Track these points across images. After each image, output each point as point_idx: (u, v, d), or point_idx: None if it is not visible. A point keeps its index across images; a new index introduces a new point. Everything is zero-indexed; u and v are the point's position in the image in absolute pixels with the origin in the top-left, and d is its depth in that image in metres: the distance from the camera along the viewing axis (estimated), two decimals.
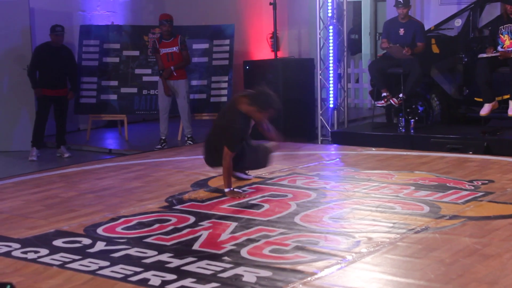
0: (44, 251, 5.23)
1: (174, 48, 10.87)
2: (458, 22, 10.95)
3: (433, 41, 10.87)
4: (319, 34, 11.32)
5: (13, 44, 11.30)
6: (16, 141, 11.36)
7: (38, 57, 10.62)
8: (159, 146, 10.88)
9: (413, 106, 10.91)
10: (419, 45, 10.28)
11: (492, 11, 11.42)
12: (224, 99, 12.07)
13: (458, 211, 6.05)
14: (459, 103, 10.77)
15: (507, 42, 9.77)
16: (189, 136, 11.05)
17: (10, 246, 5.40)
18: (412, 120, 10.19)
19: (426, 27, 10.93)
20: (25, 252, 5.23)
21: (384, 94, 10.50)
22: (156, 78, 11.78)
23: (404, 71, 10.25)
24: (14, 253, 5.23)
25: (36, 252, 5.23)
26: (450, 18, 11.05)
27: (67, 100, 10.88)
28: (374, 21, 17.29)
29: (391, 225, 5.66)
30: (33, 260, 5.04)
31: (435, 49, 10.87)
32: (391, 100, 10.45)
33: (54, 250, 5.26)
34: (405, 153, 9.14)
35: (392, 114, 11.22)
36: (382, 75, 10.55)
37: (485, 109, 9.85)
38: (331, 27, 11.32)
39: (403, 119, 10.26)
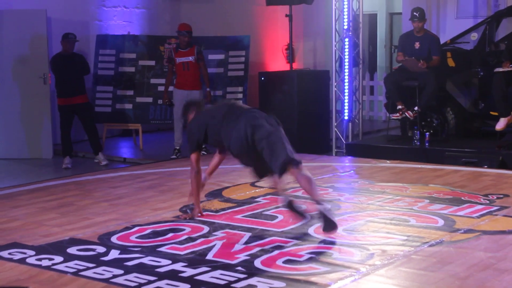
0: (58, 259, 5.25)
1: (190, 58, 10.90)
2: (474, 36, 10.94)
3: (448, 54, 10.86)
4: (335, 46, 11.34)
5: (30, 52, 11.37)
6: (32, 149, 11.42)
7: (53, 68, 10.69)
8: (174, 156, 10.90)
9: (428, 119, 10.89)
10: (434, 59, 10.28)
11: (508, 25, 11.42)
12: None
13: (473, 225, 6.03)
14: (474, 117, 10.75)
15: None
16: (177, 148, 11.05)
17: (24, 253, 5.42)
18: (427, 133, 10.17)
19: (442, 41, 10.93)
20: (40, 259, 5.25)
21: (399, 107, 10.48)
22: (171, 88, 11.83)
23: (419, 84, 10.24)
24: (28, 260, 5.25)
25: (50, 259, 5.24)
26: (466, 32, 11.04)
27: (88, 106, 10.92)
28: (389, 34, 17.29)
29: (405, 238, 5.65)
30: (48, 268, 5.06)
31: (451, 62, 10.85)
32: (406, 113, 10.43)
33: (69, 257, 5.28)
34: (419, 166, 9.12)
35: (407, 127, 11.21)
36: (397, 88, 10.54)
37: (501, 124, 9.81)
38: (346, 39, 11.33)
39: (418, 132, 10.24)
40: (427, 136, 10.10)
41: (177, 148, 11.02)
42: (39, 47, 11.37)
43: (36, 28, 11.35)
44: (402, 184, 7.88)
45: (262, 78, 11.62)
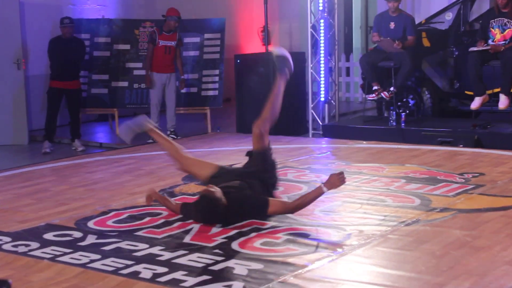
0: (35, 245, 5.22)
1: (173, 42, 10.97)
2: (449, 16, 10.97)
3: (423, 34, 10.89)
4: (310, 27, 11.32)
5: (3, 37, 11.25)
6: (7, 135, 11.33)
7: (49, 50, 10.67)
8: (151, 140, 10.85)
9: (404, 100, 10.93)
10: (409, 39, 10.30)
11: (482, 5, 11.47)
12: (215, 92, 12.07)
13: (449, 204, 6.06)
14: (450, 96, 10.80)
15: (498, 36, 9.79)
16: (172, 130, 11.05)
17: (0, 240, 5.38)
18: (403, 113, 10.21)
19: (417, 21, 10.95)
20: (16, 246, 5.22)
21: (375, 87, 10.51)
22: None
23: (395, 65, 10.27)
24: (4, 247, 5.22)
25: (27, 245, 5.21)
26: (441, 12, 11.08)
27: (79, 93, 10.90)
28: (365, 15, 17.29)
29: (382, 217, 5.67)
30: (24, 254, 5.03)
31: (426, 42, 10.89)
32: (382, 94, 10.47)
33: (45, 243, 5.25)
34: (396, 146, 9.16)
35: (383, 108, 11.25)
36: (373, 68, 10.56)
37: (476, 103, 9.87)
38: (322, 20, 11.32)
39: (394, 112, 10.27)
40: (403, 116, 10.14)
41: None
42: (12, 33, 11.26)
43: (8, 13, 11.23)
44: (378, 164, 7.90)
45: (238, 61, 11.59)
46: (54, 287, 4.39)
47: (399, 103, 10.73)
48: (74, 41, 10.87)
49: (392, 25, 10.38)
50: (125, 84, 12.20)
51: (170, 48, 10.97)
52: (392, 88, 10.34)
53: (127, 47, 12.33)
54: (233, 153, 8.94)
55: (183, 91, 11.71)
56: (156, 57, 10.99)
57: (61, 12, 12.72)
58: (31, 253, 5.04)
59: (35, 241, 5.30)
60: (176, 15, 11.03)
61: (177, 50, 11.11)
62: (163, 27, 11.07)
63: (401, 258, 4.70)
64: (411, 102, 10.96)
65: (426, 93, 10.86)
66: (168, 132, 11.05)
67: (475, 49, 9.83)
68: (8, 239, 5.41)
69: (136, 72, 12.13)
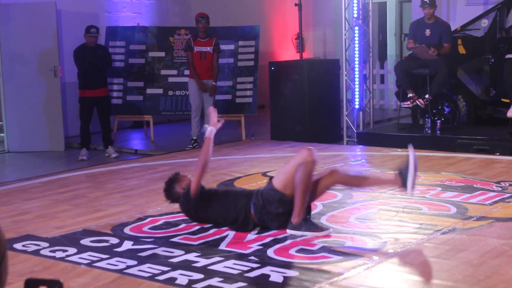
0: (72, 250, 5.27)
1: (208, 48, 10.98)
2: (485, 23, 10.89)
3: (459, 41, 10.83)
4: (345, 35, 11.31)
5: (40, 45, 11.39)
6: (44, 142, 11.45)
7: (76, 59, 10.74)
8: (190, 146, 10.92)
9: (439, 107, 10.87)
10: (445, 46, 10.24)
11: None
12: (249, 100, 12.10)
13: (486, 212, 6.02)
14: (486, 104, 10.72)
15: None
16: (194, 138, 11.05)
17: (38, 245, 5.45)
18: (438, 121, 10.15)
19: (453, 28, 10.88)
20: (54, 251, 5.28)
21: (410, 95, 10.46)
22: (181, 79, 11.86)
23: (430, 72, 10.21)
24: (42, 252, 5.28)
25: (64, 251, 5.27)
26: (476, 19, 11.00)
27: (108, 100, 10.98)
28: (399, 22, 17.22)
29: (418, 226, 5.64)
30: (61, 259, 5.08)
31: (462, 49, 10.82)
32: (417, 101, 10.41)
33: (82, 249, 5.30)
34: (431, 154, 9.10)
35: (418, 115, 11.19)
36: (408, 76, 10.51)
37: None
38: (356, 28, 11.31)
39: (429, 120, 10.21)
40: (438, 124, 10.08)
41: (194, 138, 11.03)
42: (50, 40, 11.40)
43: (46, 21, 11.37)
44: None
45: (272, 68, 11.61)
46: None
47: (434, 111, 10.67)
48: (100, 49, 10.92)
49: (427, 32, 10.33)
50: (160, 91, 12.28)
51: (205, 54, 10.99)
52: (427, 96, 10.28)
53: (162, 54, 12.42)
54: (267, 160, 8.95)
55: (218, 98, 11.76)
56: (194, 63, 11.01)
57: (97, 20, 12.85)
58: (69, 258, 5.09)
59: (73, 247, 5.36)
60: (201, 15, 11.06)
61: (214, 56, 11.11)
62: (198, 34, 11.12)
63: (438, 267, 4.68)
64: (447, 109, 10.89)
65: (462, 100, 10.79)
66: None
67: (511, 56, 9.75)
68: (46, 244, 5.47)
69: (170, 79, 12.21)
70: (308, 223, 5.48)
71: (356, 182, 5.83)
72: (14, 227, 6.00)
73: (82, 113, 10.76)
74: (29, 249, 5.35)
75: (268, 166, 8.30)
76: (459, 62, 10.74)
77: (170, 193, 5.91)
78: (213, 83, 11.04)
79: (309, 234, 5.41)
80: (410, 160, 5.36)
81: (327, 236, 5.43)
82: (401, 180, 5.35)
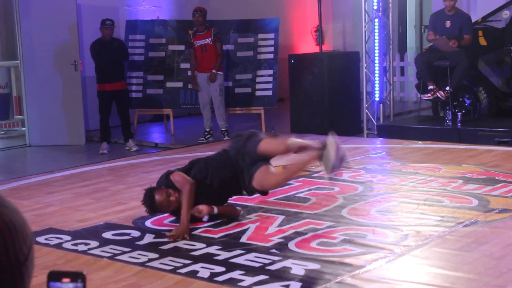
0: (94, 243, 5.30)
1: (207, 40, 10.96)
2: (506, 14, 10.81)
3: (480, 33, 10.75)
4: (365, 27, 11.26)
5: (60, 39, 11.43)
6: (64, 135, 11.50)
7: (92, 54, 10.77)
8: (203, 139, 10.94)
9: (460, 99, 10.81)
10: (466, 37, 10.17)
11: None
12: (269, 93, 12.08)
13: (508, 205, 5.99)
14: (507, 95, 10.64)
15: None
16: (223, 129, 11.07)
17: (61, 238, 5.49)
18: (459, 113, 10.09)
19: (473, 19, 10.81)
20: (76, 244, 5.32)
21: (431, 87, 10.41)
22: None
23: (450, 64, 10.15)
24: (65, 245, 5.31)
25: (86, 244, 5.30)
26: (497, 10, 10.91)
27: (125, 93, 11.00)
28: (419, 14, 17.13)
29: (440, 218, 5.62)
30: (84, 252, 5.12)
31: (482, 41, 10.75)
32: (437, 93, 10.36)
33: (104, 242, 5.33)
34: (452, 146, 9.07)
35: (439, 107, 11.13)
36: (428, 68, 10.46)
37: None
38: (376, 20, 11.26)
39: (450, 112, 10.16)
40: (459, 116, 10.02)
41: (208, 130, 11.05)
42: (69, 34, 11.43)
43: (65, 15, 11.40)
44: (435, 164, 7.84)
45: (292, 61, 11.59)
46: (114, 285, 4.46)
47: (455, 103, 10.61)
48: (116, 42, 10.93)
49: (448, 23, 10.26)
50: (180, 84, 12.30)
51: (205, 46, 10.97)
52: (448, 88, 10.23)
53: (182, 48, 12.42)
54: None
55: (237, 91, 11.77)
56: (197, 57, 11.04)
57: (117, 14, 12.89)
58: (91, 251, 5.12)
59: (95, 240, 5.39)
60: (196, 9, 11.08)
61: (217, 46, 11.08)
62: (197, 29, 11.13)
63: (459, 259, 4.66)
64: (467, 101, 10.82)
65: (483, 92, 10.72)
66: (220, 132, 11.09)
67: None
68: (68, 237, 5.51)
69: (190, 73, 12.22)
70: None
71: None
72: (37, 221, 6.04)
73: (101, 107, 10.79)
74: (52, 242, 5.39)
75: (288, 159, 8.28)
76: (480, 53, 10.67)
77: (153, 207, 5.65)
78: (213, 71, 10.99)
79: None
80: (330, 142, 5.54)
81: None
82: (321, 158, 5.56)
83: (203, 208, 5.67)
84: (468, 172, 7.36)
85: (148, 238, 5.40)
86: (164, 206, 5.60)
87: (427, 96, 10.53)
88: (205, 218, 5.69)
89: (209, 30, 11.03)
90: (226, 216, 5.78)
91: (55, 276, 1.24)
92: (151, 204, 5.57)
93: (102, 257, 4.98)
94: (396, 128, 10.70)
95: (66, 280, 1.23)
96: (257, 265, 4.66)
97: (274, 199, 6.48)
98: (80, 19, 11.89)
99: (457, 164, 7.85)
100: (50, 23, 11.35)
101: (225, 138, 10.81)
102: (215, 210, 5.72)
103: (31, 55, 11.45)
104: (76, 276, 1.24)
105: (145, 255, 4.96)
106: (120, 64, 10.84)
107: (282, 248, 5.01)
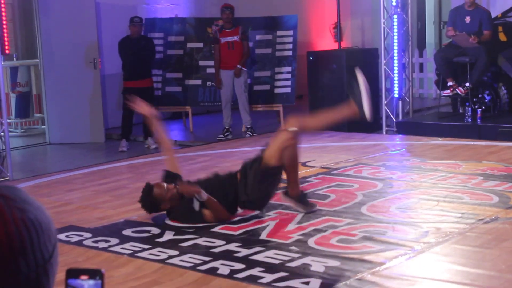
0: (114, 240, 5.33)
1: (235, 37, 10.97)
2: None
3: (500, 28, 10.69)
4: (383, 23, 11.22)
5: (80, 37, 11.47)
6: (84, 133, 11.55)
7: (120, 51, 10.82)
8: (222, 136, 10.96)
9: (480, 95, 10.74)
10: (485, 33, 10.12)
11: None
12: (288, 90, 12.07)
13: None
14: None
15: None
16: (248, 126, 11.09)
17: (81, 236, 5.52)
18: (479, 109, 10.04)
19: (493, 15, 10.75)
20: (96, 241, 5.34)
21: (450, 83, 10.36)
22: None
23: (470, 60, 10.10)
24: (85, 242, 5.34)
25: (106, 241, 5.33)
26: None
27: (151, 91, 11.03)
28: (438, 10, 17.05)
29: (460, 215, 5.60)
30: (104, 249, 5.14)
31: (502, 37, 10.68)
32: (457, 90, 10.31)
33: (124, 239, 5.36)
34: (472, 143, 9.03)
35: (459, 104, 11.08)
36: (447, 64, 10.41)
37: None
38: (395, 16, 11.21)
39: (469, 108, 10.11)
40: (479, 112, 9.97)
41: (227, 127, 11.06)
42: (88, 32, 11.47)
43: (85, 13, 11.44)
44: (454, 161, 7.80)
45: (311, 58, 11.58)
46: (134, 282, 4.48)
47: (474, 99, 10.55)
48: (144, 40, 10.99)
49: (467, 19, 10.21)
50: (199, 82, 12.32)
51: (233, 43, 11.00)
52: (467, 84, 10.18)
53: (200, 45, 12.45)
54: (306, 150, 8.93)
55: (256, 88, 11.77)
56: (222, 54, 11.06)
57: (136, 12, 12.91)
58: (111, 248, 5.15)
59: (115, 237, 5.42)
60: (225, 6, 11.11)
61: (243, 44, 11.12)
62: (223, 25, 11.16)
63: (480, 256, 4.64)
64: (487, 98, 10.75)
65: (503, 88, 10.66)
66: (245, 130, 11.10)
67: None
68: (89, 235, 5.54)
69: (209, 70, 12.23)
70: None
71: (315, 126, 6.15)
72: (57, 218, 6.07)
73: (125, 104, 10.83)
74: (73, 240, 5.42)
75: (308, 156, 8.29)
76: (500, 49, 10.60)
77: (151, 204, 5.74)
78: (238, 66, 11.00)
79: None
80: (361, 84, 5.56)
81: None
82: (357, 107, 5.50)
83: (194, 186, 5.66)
84: (488, 168, 7.32)
85: (168, 235, 5.42)
86: (163, 196, 5.61)
87: (447, 92, 10.49)
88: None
89: (237, 28, 11.06)
90: (213, 210, 5.61)
91: (73, 273, 1.25)
92: (149, 192, 5.64)
93: (122, 254, 5.00)
94: (415, 124, 10.66)
95: (84, 277, 1.24)
96: (277, 262, 4.66)
97: None
98: (99, 17, 11.93)
99: (477, 161, 7.81)
100: (69, 22, 11.40)
101: (247, 135, 10.85)
102: (204, 195, 5.60)
103: (51, 53, 11.50)
104: (94, 273, 1.25)
105: (165, 252, 4.98)
106: (146, 62, 10.89)
107: (301, 245, 5.01)
